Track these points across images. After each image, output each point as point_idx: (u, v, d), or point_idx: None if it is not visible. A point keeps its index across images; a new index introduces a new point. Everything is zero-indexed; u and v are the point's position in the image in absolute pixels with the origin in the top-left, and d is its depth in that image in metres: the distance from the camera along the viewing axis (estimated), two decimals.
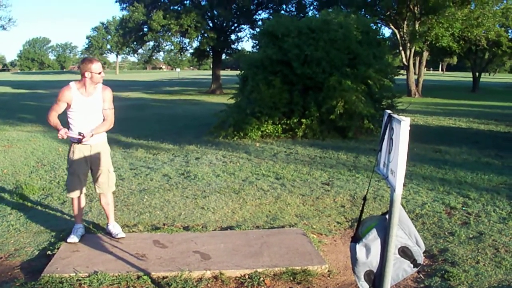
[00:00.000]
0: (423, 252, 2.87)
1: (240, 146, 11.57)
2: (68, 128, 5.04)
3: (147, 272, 4.40)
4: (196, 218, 6.07)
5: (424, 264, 4.63)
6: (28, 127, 15.43)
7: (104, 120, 5.08)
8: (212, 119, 14.84)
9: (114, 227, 5.34)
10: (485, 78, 66.74)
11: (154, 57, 51.03)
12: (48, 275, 4.32)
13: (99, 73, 4.90)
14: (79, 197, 5.27)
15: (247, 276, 4.38)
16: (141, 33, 37.79)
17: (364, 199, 3.08)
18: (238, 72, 15.70)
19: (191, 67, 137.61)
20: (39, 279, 4.28)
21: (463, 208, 6.51)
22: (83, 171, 5.16)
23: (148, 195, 7.09)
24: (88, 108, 4.95)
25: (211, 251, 4.89)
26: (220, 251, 4.90)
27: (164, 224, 5.85)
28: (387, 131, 2.75)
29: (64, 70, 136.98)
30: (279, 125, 12.89)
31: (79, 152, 5.06)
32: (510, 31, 38.78)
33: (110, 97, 5.12)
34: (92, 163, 5.15)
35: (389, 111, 2.78)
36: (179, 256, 4.76)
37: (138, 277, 4.33)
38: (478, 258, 4.81)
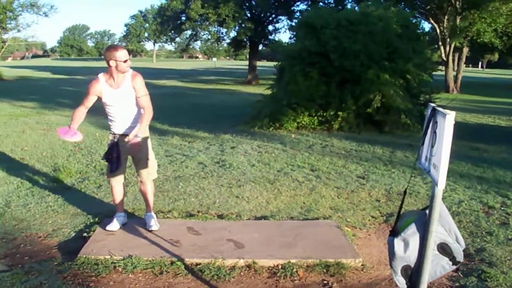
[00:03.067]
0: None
1: (276, 137, 11.55)
2: (108, 122, 4.99)
3: (181, 258, 4.43)
4: (231, 207, 6.09)
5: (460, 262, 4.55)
6: (66, 112, 15.65)
7: (143, 109, 4.87)
8: (248, 109, 14.84)
9: (149, 218, 5.23)
10: None
11: (191, 46, 51.44)
12: (84, 256, 4.40)
13: (125, 61, 4.66)
14: (119, 185, 5.19)
15: (280, 267, 4.37)
16: (179, 22, 38.09)
17: (405, 192, 3.04)
18: (274, 63, 15.65)
19: (227, 57, 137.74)
20: (75, 259, 4.37)
21: (502, 208, 6.36)
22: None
23: (183, 182, 7.13)
24: (119, 100, 4.80)
25: (245, 240, 4.89)
26: (254, 240, 4.90)
27: (198, 212, 5.88)
28: (431, 124, 2.70)
29: (102, 57, 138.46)
30: (315, 117, 12.81)
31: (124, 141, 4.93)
32: None
33: (142, 83, 4.85)
34: (130, 152, 5.02)
35: (433, 105, 2.73)
36: (212, 244, 4.78)
37: (172, 263, 4.36)
38: None
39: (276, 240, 4.92)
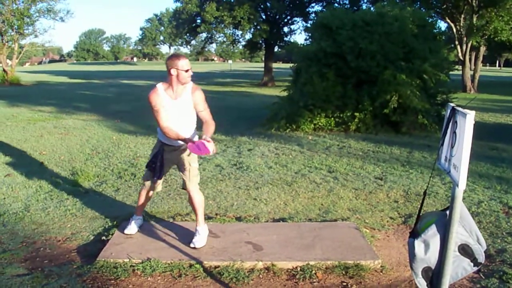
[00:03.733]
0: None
1: (293, 139, 11.53)
2: (159, 130, 4.80)
3: (199, 261, 4.44)
4: (249, 209, 6.09)
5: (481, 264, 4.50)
6: (83, 116, 15.79)
7: (205, 122, 4.63)
8: (264, 111, 14.83)
9: (196, 232, 4.93)
10: None
11: (206, 49, 51.61)
12: (103, 259, 4.43)
13: (187, 71, 4.51)
14: (150, 191, 5.11)
15: (299, 269, 4.36)
16: (194, 24, 38.27)
17: (425, 193, 3.01)
18: (290, 64, 15.65)
19: (243, 59, 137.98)
20: (94, 263, 4.41)
21: None
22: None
23: (200, 185, 7.04)
24: (177, 112, 4.64)
25: (263, 242, 4.89)
26: (272, 242, 4.89)
27: (216, 214, 5.89)
28: (450, 124, 2.68)
29: (118, 60, 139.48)
30: (332, 118, 12.78)
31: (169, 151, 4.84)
32: None
33: (202, 97, 4.70)
34: (174, 161, 4.92)
35: (452, 104, 2.71)
36: (231, 246, 4.78)
37: (190, 266, 4.37)
38: None
39: (295, 242, 4.91)
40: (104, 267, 4.31)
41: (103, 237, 5.11)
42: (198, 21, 37.59)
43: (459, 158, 2.46)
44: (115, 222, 5.53)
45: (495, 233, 5.39)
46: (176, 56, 4.61)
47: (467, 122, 2.38)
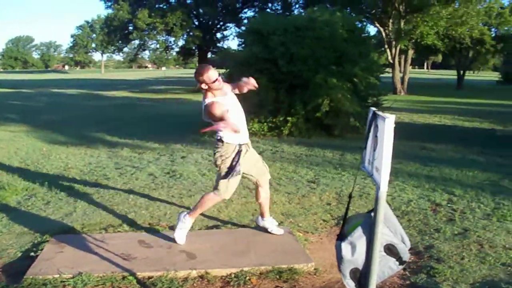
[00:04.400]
0: (409, 249, 2.88)
1: None
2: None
3: (133, 272, 4.37)
4: None
5: (410, 261, 4.63)
6: (11, 127, 15.25)
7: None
8: (198, 118, 14.74)
9: (270, 224, 5.36)
10: (470, 76, 66.98)
11: (139, 56, 51.22)
12: (31, 277, 4.26)
13: (215, 81, 4.49)
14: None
15: (233, 275, 4.36)
16: (126, 31, 37.88)
17: (350, 196, 3.08)
18: (223, 70, 15.66)
19: (177, 66, 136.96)
20: (21, 281, 4.21)
21: (449, 205, 6.52)
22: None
23: (133, 195, 7.04)
24: (234, 106, 4.75)
25: (197, 250, 4.86)
26: (206, 250, 4.88)
27: (149, 224, 5.80)
28: (372, 128, 2.75)
29: (49, 69, 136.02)
30: (265, 123, 12.83)
31: (244, 151, 4.83)
32: (493, 29, 39.37)
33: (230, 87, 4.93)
34: (251, 157, 4.99)
35: (374, 109, 2.78)
36: (165, 256, 4.73)
37: (124, 278, 4.30)
38: (463, 254, 4.83)
39: (229, 249, 4.91)
40: (32, 285, 4.15)
41: (32, 253, 4.91)
42: (130, 28, 37.17)
43: (381, 161, 2.52)
44: (45, 237, 5.34)
45: (423, 230, 5.57)
46: (199, 72, 4.55)
47: (386, 126, 2.45)
